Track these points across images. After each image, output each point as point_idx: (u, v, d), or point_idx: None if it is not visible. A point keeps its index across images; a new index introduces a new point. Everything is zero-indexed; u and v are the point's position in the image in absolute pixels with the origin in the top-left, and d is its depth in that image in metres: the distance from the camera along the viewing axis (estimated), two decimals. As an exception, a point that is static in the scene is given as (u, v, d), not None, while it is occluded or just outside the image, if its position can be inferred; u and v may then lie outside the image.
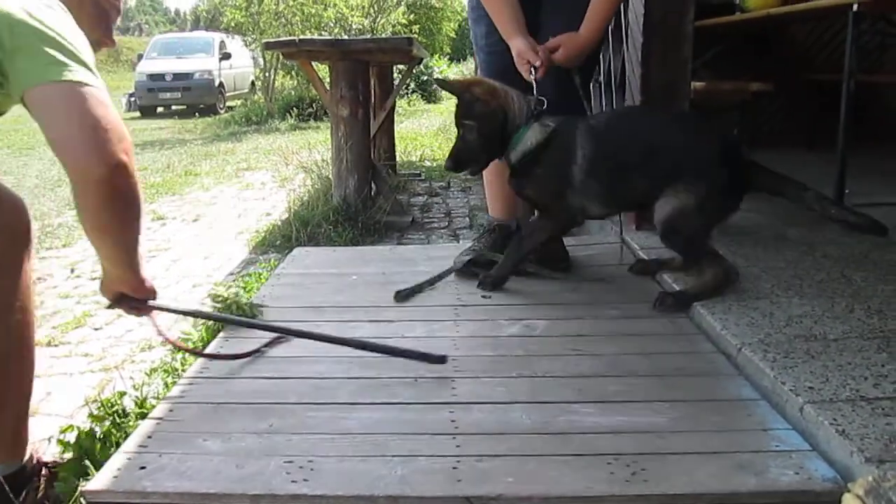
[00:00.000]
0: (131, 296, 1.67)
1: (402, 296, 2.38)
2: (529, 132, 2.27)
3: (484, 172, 2.64)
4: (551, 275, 2.55)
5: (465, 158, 2.36)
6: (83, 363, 2.55)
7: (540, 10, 2.49)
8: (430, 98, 17.14)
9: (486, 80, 2.33)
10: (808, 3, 3.79)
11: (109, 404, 2.01)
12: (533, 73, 2.31)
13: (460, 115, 2.32)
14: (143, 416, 1.81)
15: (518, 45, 2.34)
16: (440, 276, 2.52)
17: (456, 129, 2.36)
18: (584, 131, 2.24)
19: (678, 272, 2.41)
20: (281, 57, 11.26)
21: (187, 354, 2.24)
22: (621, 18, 3.12)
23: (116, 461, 1.45)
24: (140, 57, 17.38)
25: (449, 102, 16.20)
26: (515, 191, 2.43)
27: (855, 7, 3.19)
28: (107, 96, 1.36)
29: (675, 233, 2.18)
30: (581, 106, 2.48)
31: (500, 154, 2.35)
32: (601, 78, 3.46)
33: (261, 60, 14.93)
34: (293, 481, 1.36)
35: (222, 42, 16.45)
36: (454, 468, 1.40)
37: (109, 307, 1.74)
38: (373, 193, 4.37)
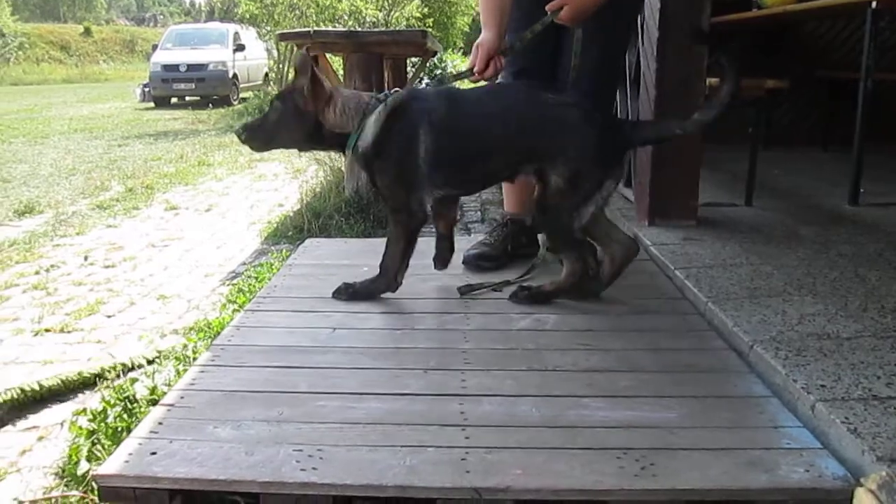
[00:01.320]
0: None
1: (463, 291, 2.35)
2: (368, 124, 2.15)
3: None
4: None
5: (256, 136, 2.24)
6: (96, 350, 2.56)
7: None
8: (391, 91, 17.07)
9: (321, 80, 2.16)
10: (825, 0, 3.76)
11: (121, 390, 2.03)
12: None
13: (278, 94, 2.28)
14: (155, 402, 1.83)
15: (485, 37, 2.31)
16: (506, 282, 2.43)
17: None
18: (425, 121, 2.12)
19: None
20: (295, 48, 11.29)
21: (198, 342, 2.25)
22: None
23: (128, 446, 1.46)
24: (155, 47, 17.42)
25: (462, 97, 16.20)
26: (371, 183, 2.34)
27: (874, 4, 3.16)
28: None
29: (543, 212, 2.14)
30: (614, 96, 2.46)
31: (335, 149, 2.31)
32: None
33: (275, 52, 14.96)
34: (302, 469, 1.37)
35: (236, 33, 16.47)
36: (463, 459, 1.40)
37: None
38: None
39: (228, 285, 3.24)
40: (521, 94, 2.23)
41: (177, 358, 2.34)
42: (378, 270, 2.31)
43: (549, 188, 2.09)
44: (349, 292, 2.32)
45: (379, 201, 4.12)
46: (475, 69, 2.31)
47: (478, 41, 2.32)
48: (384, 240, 2.32)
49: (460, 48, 24.19)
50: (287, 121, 2.18)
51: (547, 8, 2.28)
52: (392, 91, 2.23)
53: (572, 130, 2.08)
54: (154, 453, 1.43)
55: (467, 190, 2.50)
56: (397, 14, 15.28)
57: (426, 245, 2.73)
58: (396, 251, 2.26)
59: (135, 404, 1.96)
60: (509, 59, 2.45)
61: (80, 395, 2.20)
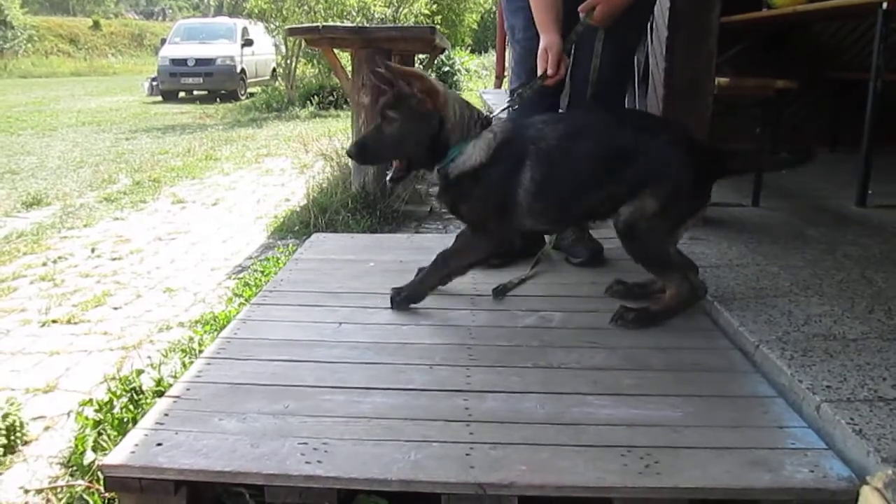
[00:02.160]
0: None
1: (498, 291, 2.32)
2: (471, 147, 2.04)
3: None
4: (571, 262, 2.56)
5: (373, 152, 2.13)
6: (102, 341, 2.58)
7: None
8: (450, 88, 17.09)
9: (429, 78, 2.07)
10: (836, 1, 3.74)
11: (127, 382, 2.04)
12: (543, 76, 2.28)
13: (385, 104, 2.06)
14: (160, 394, 1.84)
15: (551, 39, 2.28)
16: (528, 276, 2.43)
17: (377, 118, 2.10)
18: (533, 150, 2.03)
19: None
20: (303, 44, 11.27)
21: (205, 335, 2.26)
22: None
23: (134, 437, 1.47)
24: (163, 41, 17.44)
25: (470, 94, 16.18)
26: (448, 208, 2.22)
27: (884, 5, 3.15)
28: None
29: (633, 239, 2.03)
30: (625, 92, 2.45)
31: (430, 165, 2.12)
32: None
33: (283, 47, 14.93)
34: (307, 462, 1.38)
35: (245, 28, 16.47)
36: (467, 455, 1.40)
37: None
38: (389, 183, 4.36)
39: (235, 279, 3.25)
40: (622, 123, 2.12)
41: (183, 350, 2.35)
42: (433, 263, 2.21)
43: (640, 212, 1.98)
44: (404, 296, 2.21)
45: (386, 197, 4.13)
46: (549, 72, 2.28)
47: (543, 45, 2.29)
48: (390, 235, 2.33)
49: (468, 45, 24.19)
50: (409, 127, 2.03)
51: (579, 10, 2.29)
52: (495, 115, 2.14)
53: (674, 159, 1.98)
54: (160, 444, 1.44)
55: (559, 227, 2.39)
56: (406, 10, 15.26)
57: (431, 241, 2.74)
58: (467, 262, 2.19)
59: (141, 396, 1.97)
60: (524, 55, 2.47)
61: (86, 386, 2.21)
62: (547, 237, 2.70)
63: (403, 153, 2.10)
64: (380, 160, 2.20)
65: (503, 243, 2.21)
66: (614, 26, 2.32)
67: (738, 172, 2.31)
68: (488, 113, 2.14)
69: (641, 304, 2.14)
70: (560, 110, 2.69)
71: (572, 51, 2.46)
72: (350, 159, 2.13)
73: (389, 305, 2.21)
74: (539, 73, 2.32)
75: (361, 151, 2.12)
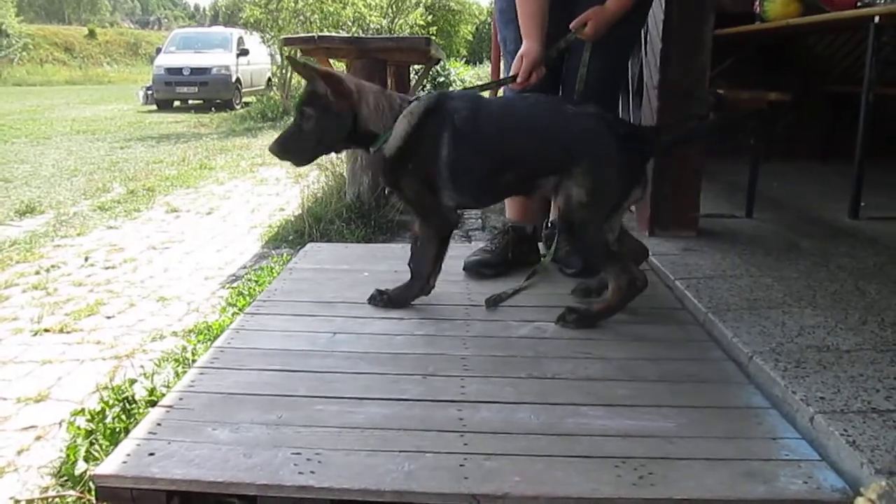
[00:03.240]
0: None
1: (491, 301, 2.31)
2: (397, 127, 2.11)
3: None
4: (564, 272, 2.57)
5: (293, 147, 2.16)
6: (95, 350, 2.56)
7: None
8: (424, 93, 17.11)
9: (340, 78, 2.12)
10: (828, 15, 3.77)
11: (120, 391, 2.02)
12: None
13: (303, 101, 2.13)
14: (153, 403, 1.83)
15: (529, 47, 2.31)
16: (522, 287, 2.43)
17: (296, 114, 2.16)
18: (449, 123, 2.09)
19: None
20: (299, 53, 11.30)
21: (198, 344, 2.25)
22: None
23: (126, 447, 1.46)
24: (159, 51, 17.47)
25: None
26: (390, 188, 2.32)
27: (876, 19, 3.18)
28: None
29: (569, 231, 2.09)
30: (617, 101, 2.46)
31: (363, 149, 2.21)
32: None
33: (278, 57, 14.97)
34: (300, 472, 1.37)
35: (240, 38, 16.49)
36: (461, 465, 1.40)
37: None
38: (386, 192, 4.37)
39: (229, 288, 3.24)
40: (541, 104, 2.17)
41: (176, 360, 2.34)
42: (410, 275, 2.30)
43: (571, 202, 2.03)
44: (384, 299, 2.29)
45: (381, 207, 4.14)
46: (518, 78, 2.31)
47: (521, 51, 2.32)
48: (384, 245, 2.34)
49: (463, 56, 24.29)
50: (325, 124, 2.11)
51: (571, 26, 2.31)
52: (413, 96, 2.19)
53: (593, 140, 2.03)
54: (152, 454, 1.43)
55: (481, 202, 2.45)
56: (401, 21, 15.34)
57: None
58: (429, 256, 2.24)
59: (133, 405, 1.96)
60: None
61: (78, 395, 2.20)
62: (542, 248, 2.71)
63: (324, 147, 2.20)
64: (301, 156, 2.21)
65: (444, 222, 2.22)
66: (605, 38, 2.34)
67: (669, 147, 2.37)
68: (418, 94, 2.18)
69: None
70: None
71: (565, 60, 2.47)
72: (273, 156, 2.19)
73: (369, 301, 2.29)
74: (511, 73, 2.35)
75: (283, 148, 2.15)
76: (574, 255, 2.62)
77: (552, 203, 2.23)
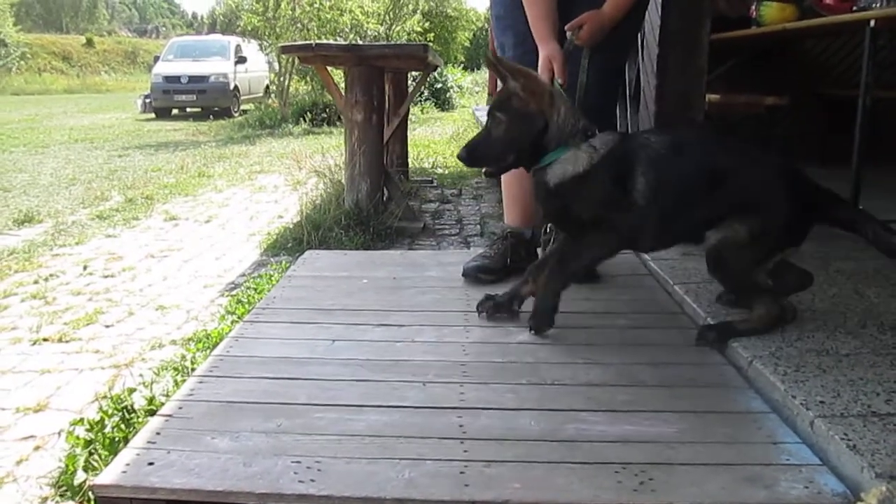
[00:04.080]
0: None
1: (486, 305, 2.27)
2: (571, 155, 2.00)
3: (503, 176, 2.61)
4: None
5: (482, 154, 2.11)
6: (94, 359, 2.56)
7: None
8: (443, 106, 17.19)
9: (535, 76, 2.08)
10: (824, 19, 3.78)
11: (119, 400, 2.02)
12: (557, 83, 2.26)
13: (494, 105, 2.09)
14: (153, 412, 1.82)
15: (553, 48, 2.29)
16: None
17: (488, 119, 2.11)
18: (643, 156, 1.99)
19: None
20: (296, 62, 11.31)
21: (197, 353, 2.24)
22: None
23: (125, 456, 1.46)
24: (157, 59, 17.51)
25: (463, 111, 16.25)
26: (552, 217, 2.19)
27: (872, 23, 3.18)
28: None
29: (721, 267, 1.99)
30: (615, 106, 2.45)
31: (528, 165, 2.10)
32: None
33: (276, 65, 15.00)
34: (300, 481, 1.37)
35: (238, 46, 16.54)
36: (462, 472, 1.40)
37: None
38: (385, 199, 4.38)
39: (227, 296, 3.24)
40: (726, 145, 2.11)
41: (175, 368, 2.34)
42: (548, 272, 2.15)
43: (727, 238, 1.93)
44: (535, 324, 2.13)
45: (379, 214, 4.13)
46: (559, 80, 2.26)
47: (546, 54, 2.28)
48: (383, 252, 2.33)
49: (461, 62, 24.34)
50: (516, 128, 2.03)
51: (566, 28, 2.29)
52: (590, 128, 2.06)
53: (778, 189, 1.94)
54: (151, 464, 1.43)
55: (661, 244, 2.23)
56: (398, 28, 15.38)
57: (424, 258, 2.74)
58: (581, 263, 2.15)
59: (132, 414, 1.95)
60: None
61: (78, 405, 2.19)
62: (540, 253, 2.71)
63: (511, 155, 2.09)
64: (489, 162, 2.14)
65: (625, 237, 2.07)
66: (603, 41, 2.34)
67: (840, 225, 2.03)
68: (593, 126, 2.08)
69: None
70: None
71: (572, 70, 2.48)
72: (460, 162, 2.12)
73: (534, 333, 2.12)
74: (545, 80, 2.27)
75: (471, 155, 2.09)
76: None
77: None
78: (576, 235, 2.12)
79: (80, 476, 1.68)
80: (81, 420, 1.92)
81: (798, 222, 1.96)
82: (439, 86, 17.39)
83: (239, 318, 2.68)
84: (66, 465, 1.75)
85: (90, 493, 1.52)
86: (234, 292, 3.28)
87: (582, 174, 1.99)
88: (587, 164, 1.99)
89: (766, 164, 2.00)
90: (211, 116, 14.79)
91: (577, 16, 2.32)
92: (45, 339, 2.75)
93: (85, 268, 3.76)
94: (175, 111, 15.97)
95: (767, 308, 1.98)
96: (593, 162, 1.99)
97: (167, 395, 2.00)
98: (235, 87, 16.07)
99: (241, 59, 16.46)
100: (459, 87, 18.73)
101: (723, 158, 2.01)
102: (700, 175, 1.98)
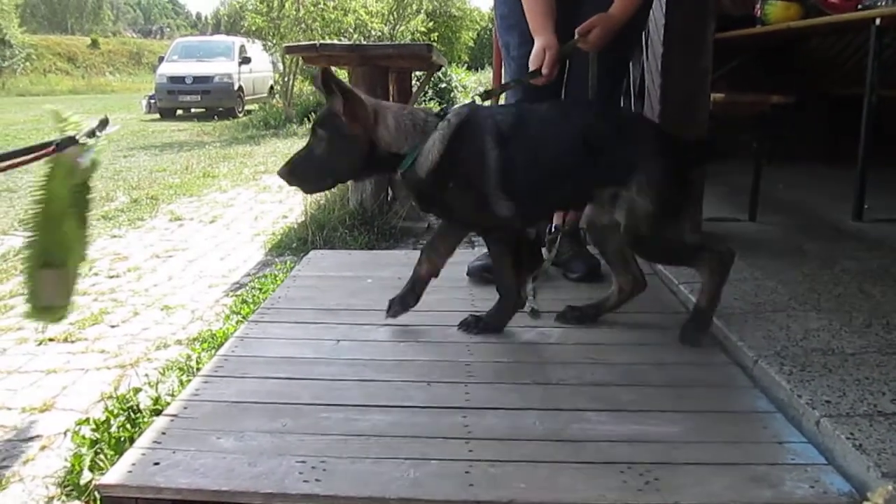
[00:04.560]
0: None
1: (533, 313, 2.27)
2: (429, 143, 1.94)
3: None
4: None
5: (303, 173, 1.99)
6: (99, 359, 2.57)
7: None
8: (447, 105, 17.18)
9: (360, 99, 1.94)
10: (829, 17, 3.78)
11: (124, 400, 2.03)
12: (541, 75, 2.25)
13: (317, 122, 1.98)
14: (158, 412, 1.83)
15: (549, 40, 2.25)
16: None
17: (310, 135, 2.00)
18: (494, 127, 1.96)
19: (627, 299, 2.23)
20: (300, 62, 11.33)
21: (202, 353, 2.25)
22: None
23: (130, 456, 1.46)
24: (161, 59, 17.54)
25: (466, 110, 16.21)
26: (431, 210, 2.17)
27: (878, 21, 3.18)
28: None
29: (641, 244, 2.00)
30: (618, 102, 2.44)
31: (387, 173, 2.06)
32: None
33: (280, 65, 15.02)
34: (305, 481, 1.37)
35: (242, 46, 16.55)
36: (467, 472, 1.40)
37: None
38: (389, 199, 4.38)
39: (232, 296, 3.24)
40: (592, 111, 2.11)
41: (180, 368, 2.34)
42: (499, 296, 2.14)
43: (636, 215, 1.92)
44: (480, 326, 2.13)
45: (384, 214, 4.13)
46: (543, 72, 2.23)
47: (541, 45, 2.25)
48: (388, 252, 2.33)
49: (465, 62, 24.34)
50: (338, 149, 1.94)
51: (577, 30, 2.27)
52: (451, 108, 2.05)
53: (656, 149, 1.95)
54: (157, 464, 1.43)
55: (531, 217, 2.24)
56: (403, 28, 15.38)
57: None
58: (506, 268, 2.11)
59: (138, 414, 1.96)
60: (520, 72, 2.46)
61: (83, 405, 2.20)
62: (545, 253, 2.71)
63: (337, 174, 2.05)
64: (311, 182, 2.06)
65: (503, 229, 2.06)
66: (609, 45, 2.33)
67: (709, 160, 2.26)
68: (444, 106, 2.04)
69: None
70: None
71: (567, 66, 2.47)
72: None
73: (463, 328, 2.14)
74: (532, 69, 2.27)
75: (292, 173, 1.98)
76: (578, 259, 2.62)
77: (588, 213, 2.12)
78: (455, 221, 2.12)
79: (86, 476, 1.68)
80: (87, 420, 1.92)
81: (683, 172, 1.97)
82: (443, 85, 17.34)
83: (244, 318, 2.68)
84: (72, 465, 1.76)
85: (96, 492, 1.52)
86: (238, 292, 3.28)
87: (444, 153, 1.93)
88: (444, 141, 1.93)
89: (636, 124, 2.04)
90: (215, 117, 14.81)
91: (583, 15, 2.30)
92: (50, 340, 2.76)
93: (90, 268, 3.77)
94: (179, 112, 15.99)
95: (709, 265, 1.98)
96: (447, 136, 1.94)
97: (172, 395, 2.00)
98: (240, 87, 16.08)
99: (245, 60, 16.47)
100: (463, 86, 18.67)
101: (590, 124, 1.99)
102: (562, 146, 1.97)
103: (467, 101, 2.16)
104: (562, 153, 1.98)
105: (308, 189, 2.18)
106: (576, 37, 2.28)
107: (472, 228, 2.11)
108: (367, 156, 1.95)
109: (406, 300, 2.20)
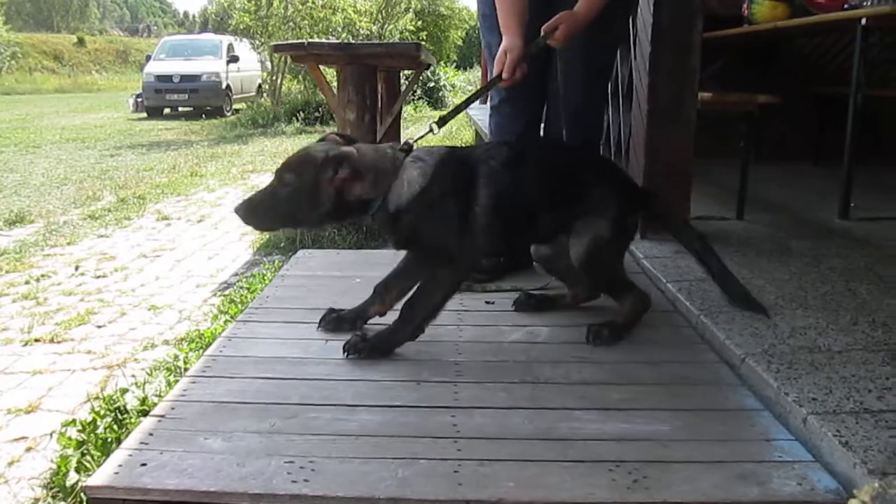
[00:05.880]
0: None
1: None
2: (402, 181, 1.88)
3: None
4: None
5: (262, 215, 1.89)
6: (86, 360, 2.55)
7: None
8: (436, 104, 17.18)
9: (361, 169, 1.84)
10: (816, 17, 3.79)
11: (111, 401, 2.01)
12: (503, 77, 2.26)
13: (285, 165, 1.88)
14: (145, 413, 1.82)
15: (511, 42, 2.25)
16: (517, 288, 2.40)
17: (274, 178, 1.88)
18: (485, 169, 1.95)
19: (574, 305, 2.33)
20: (289, 60, 11.30)
21: (190, 353, 2.24)
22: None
23: (117, 457, 1.45)
24: (148, 58, 17.44)
25: (455, 109, 16.23)
26: (401, 244, 2.03)
27: (863, 21, 3.20)
28: None
29: (595, 266, 2.05)
30: (603, 110, 2.46)
31: (358, 220, 2.01)
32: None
33: (268, 64, 14.98)
34: (294, 481, 1.36)
35: (230, 45, 16.47)
36: (455, 471, 1.39)
37: None
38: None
39: (220, 296, 3.23)
40: (556, 148, 2.27)
41: (168, 369, 2.33)
42: (399, 317, 1.98)
43: (594, 241, 2.00)
44: (367, 347, 1.95)
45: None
46: (504, 74, 2.25)
47: (503, 47, 2.25)
48: (376, 251, 2.33)
49: (454, 61, 24.35)
50: (305, 197, 1.84)
51: (543, 28, 2.28)
52: (405, 144, 1.99)
53: (617, 183, 2.13)
54: (144, 465, 1.42)
55: (507, 249, 2.32)
56: (391, 27, 15.36)
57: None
58: (435, 304, 1.96)
59: (125, 415, 1.95)
60: (496, 88, 2.47)
61: (70, 406, 2.18)
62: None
63: (298, 221, 2.03)
64: (268, 225, 1.99)
65: (468, 267, 2.05)
66: (587, 45, 2.34)
67: (655, 217, 2.45)
68: (407, 140, 2.02)
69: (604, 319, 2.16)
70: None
71: (559, 70, 2.47)
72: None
73: (347, 349, 1.95)
74: (494, 74, 2.29)
75: (250, 214, 1.87)
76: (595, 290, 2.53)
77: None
78: (423, 261, 2.04)
79: (73, 477, 1.68)
80: (73, 421, 1.91)
81: (633, 215, 2.14)
82: (432, 84, 17.39)
83: (232, 317, 2.67)
84: (58, 467, 1.75)
85: (82, 494, 1.51)
86: (226, 292, 3.27)
87: (420, 191, 1.88)
88: (422, 179, 1.89)
89: (597, 161, 2.21)
90: (203, 116, 14.75)
91: (555, 14, 2.31)
92: (36, 340, 2.74)
93: (77, 268, 3.75)
94: (167, 110, 15.92)
95: (633, 299, 2.13)
96: (428, 173, 1.89)
97: (160, 396, 2.00)
98: (227, 86, 16.02)
99: (233, 58, 16.40)
100: (452, 85, 18.72)
101: (565, 164, 2.11)
102: (543, 183, 2.03)
103: (424, 130, 2.17)
104: (543, 193, 2.04)
105: (263, 230, 2.11)
106: (542, 34, 2.28)
107: (436, 265, 1.98)
108: (333, 210, 1.88)
109: (341, 324, 2.12)
